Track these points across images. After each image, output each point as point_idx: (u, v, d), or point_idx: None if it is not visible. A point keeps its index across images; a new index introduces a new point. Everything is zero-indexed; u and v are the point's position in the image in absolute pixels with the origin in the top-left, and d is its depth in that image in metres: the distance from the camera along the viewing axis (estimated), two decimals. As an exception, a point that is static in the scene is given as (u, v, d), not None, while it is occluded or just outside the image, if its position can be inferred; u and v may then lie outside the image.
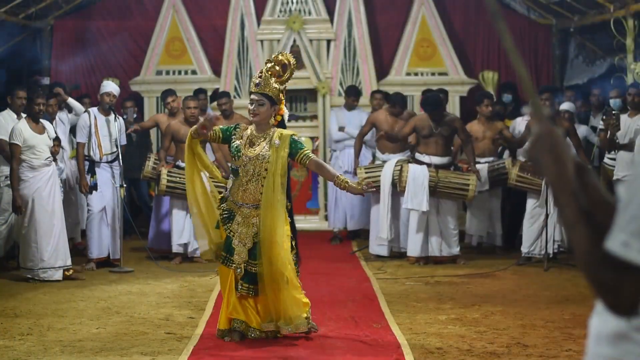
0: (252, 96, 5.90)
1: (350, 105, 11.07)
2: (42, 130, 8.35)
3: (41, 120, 8.42)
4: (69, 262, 8.44)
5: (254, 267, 5.87)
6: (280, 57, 5.94)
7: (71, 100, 9.93)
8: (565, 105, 10.02)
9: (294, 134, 5.96)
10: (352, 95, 11.06)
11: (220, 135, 5.96)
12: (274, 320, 5.90)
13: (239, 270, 5.88)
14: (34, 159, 8.27)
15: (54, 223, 8.34)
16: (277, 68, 5.91)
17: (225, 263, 5.94)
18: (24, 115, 8.53)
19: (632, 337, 1.64)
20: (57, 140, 8.93)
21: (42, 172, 8.31)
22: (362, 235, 10.99)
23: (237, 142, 5.90)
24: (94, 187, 9.08)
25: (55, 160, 8.63)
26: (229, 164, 6.08)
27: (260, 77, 5.88)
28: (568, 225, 1.69)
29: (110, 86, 9.33)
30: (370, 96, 11.12)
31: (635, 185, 1.62)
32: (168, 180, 9.20)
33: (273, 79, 5.87)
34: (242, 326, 5.95)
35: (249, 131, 5.94)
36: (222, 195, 6.08)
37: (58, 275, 8.34)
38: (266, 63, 5.99)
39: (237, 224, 5.90)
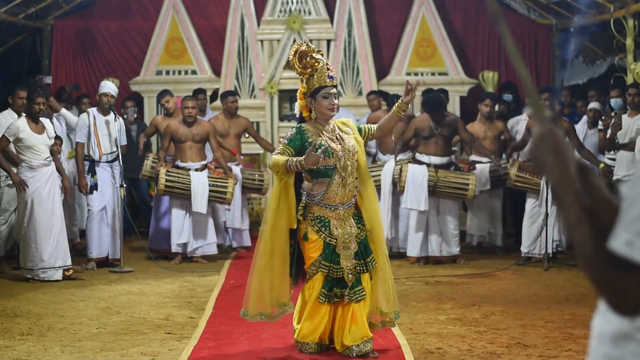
0: (328, 90, 5.53)
1: None
2: (41, 130, 8.33)
3: (41, 119, 8.40)
4: (69, 261, 8.43)
5: (363, 268, 5.54)
6: (312, 47, 5.62)
7: (64, 112, 9.96)
8: (594, 105, 10.04)
9: (351, 121, 5.85)
10: None
11: (294, 151, 5.43)
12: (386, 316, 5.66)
13: (350, 276, 5.46)
14: (33, 159, 8.25)
15: (53, 223, 8.33)
16: (322, 59, 5.64)
17: (330, 274, 5.46)
18: (24, 114, 8.52)
19: (636, 337, 1.64)
20: (58, 139, 8.92)
21: (41, 172, 8.29)
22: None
23: (320, 141, 5.44)
24: (95, 187, 9.07)
25: (57, 160, 8.63)
26: (321, 166, 5.45)
27: (329, 69, 5.58)
28: (571, 225, 1.69)
29: (108, 86, 9.31)
30: (366, 97, 11.14)
31: (639, 184, 1.62)
32: (167, 180, 9.20)
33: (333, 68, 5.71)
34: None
35: (313, 128, 5.54)
36: (302, 204, 5.55)
37: (58, 275, 8.33)
38: (307, 56, 5.55)
39: (335, 228, 5.49)
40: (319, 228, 5.49)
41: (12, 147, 8.38)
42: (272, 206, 5.49)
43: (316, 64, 5.54)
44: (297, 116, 5.74)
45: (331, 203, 5.49)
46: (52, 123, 9.11)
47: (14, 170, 8.29)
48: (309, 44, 5.64)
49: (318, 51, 5.63)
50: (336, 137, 5.56)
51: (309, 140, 5.47)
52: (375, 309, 5.64)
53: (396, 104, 5.74)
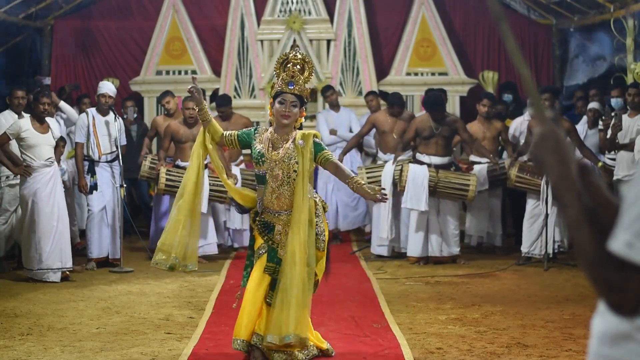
0: (284, 96, 5.44)
1: (332, 103, 11.07)
2: (45, 130, 8.29)
3: (47, 119, 8.38)
4: (69, 264, 8.37)
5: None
6: (298, 56, 5.59)
7: (63, 105, 9.91)
8: (594, 104, 10.04)
9: (316, 135, 5.60)
10: (327, 90, 11.09)
11: (236, 141, 5.58)
12: (281, 335, 5.41)
13: None
14: (34, 159, 8.22)
15: (53, 224, 8.27)
16: (299, 67, 5.57)
17: (272, 274, 5.50)
18: (25, 114, 8.50)
19: (635, 337, 1.64)
20: (62, 140, 8.90)
21: (41, 172, 8.25)
22: (362, 234, 11.00)
23: (259, 146, 5.49)
24: (94, 187, 9.07)
25: (58, 161, 8.61)
26: (254, 170, 5.69)
27: (292, 76, 5.48)
28: (571, 225, 1.69)
29: (105, 87, 9.27)
30: (364, 98, 11.17)
31: (639, 185, 1.62)
32: (167, 179, 9.21)
33: (302, 78, 5.55)
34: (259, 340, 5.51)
35: (268, 133, 5.53)
36: (254, 210, 5.64)
37: (56, 277, 8.25)
38: (289, 63, 5.54)
39: (279, 233, 5.52)
40: (262, 231, 5.55)
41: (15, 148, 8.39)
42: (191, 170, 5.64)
43: (293, 71, 5.51)
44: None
45: (272, 209, 5.53)
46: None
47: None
48: (296, 54, 5.61)
49: (301, 62, 5.56)
50: (274, 145, 5.49)
51: (255, 141, 5.52)
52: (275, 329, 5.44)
53: (358, 185, 5.46)
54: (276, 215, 5.53)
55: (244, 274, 5.71)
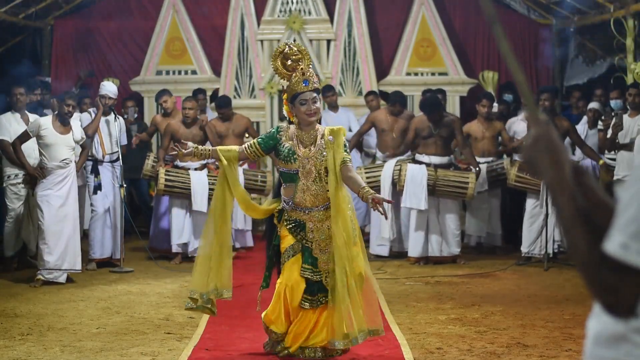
0: (304, 96, 5.40)
1: (331, 104, 11.06)
2: (66, 131, 8.24)
3: (72, 121, 8.35)
4: (78, 266, 8.30)
5: (319, 276, 5.49)
6: (294, 49, 5.53)
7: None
8: (594, 104, 10.04)
9: (344, 131, 5.56)
10: (328, 91, 11.07)
11: (259, 149, 5.52)
12: (334, 338, 5.39)
13: (328, 280, 5.44)
14: (49, 159, 8.15)
15: (64, 225, 8.19)
16: (302, 62, 5.53)
17: (307, 275, 5.46)
18: (26, 113, 8.52)
19: (630, 339, 1.64)
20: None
21: (55, 173, 8.18)
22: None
23: (287, 144, 5.47)
24: (99, 187, 9.08)
25: (81, 164, 8.68)
26: (280, 169, 5.56)
27: (304, 74, 5.44)
28: (566, 226, 1.69)
29: (106, 89, 9.24)
30: (364, 98, 11.16)
31: (635, 186, 1.62)
32: (166, 180, 9.21)
33: (312, 73, 5.54)
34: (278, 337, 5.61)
35: (292, 130, 5.51)
36: (279, 208, 5.58)
37: (62, 278, 8.23)
38: (288, 59, 5.51)
39: (311, 231, 5.47)
40: (293, 228, 5.49)
41: (8, 147, 8.40)
42: (216, 189, 5.64)
43: (297, 68, 5.48)
44: (287, 119, 5.71)
45: (303, 206, 5.47)
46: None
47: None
48: (291, 46, 5.57)
49: (299, 55, 5.53)
50: (309, 143, 5.48)
51: (281, 140, 5.49)
52: (333, 333, 5.41)
53: (366, 194, 5.29)
54: (307, 212, 5.47)
55: (265, 274, 5.67)
